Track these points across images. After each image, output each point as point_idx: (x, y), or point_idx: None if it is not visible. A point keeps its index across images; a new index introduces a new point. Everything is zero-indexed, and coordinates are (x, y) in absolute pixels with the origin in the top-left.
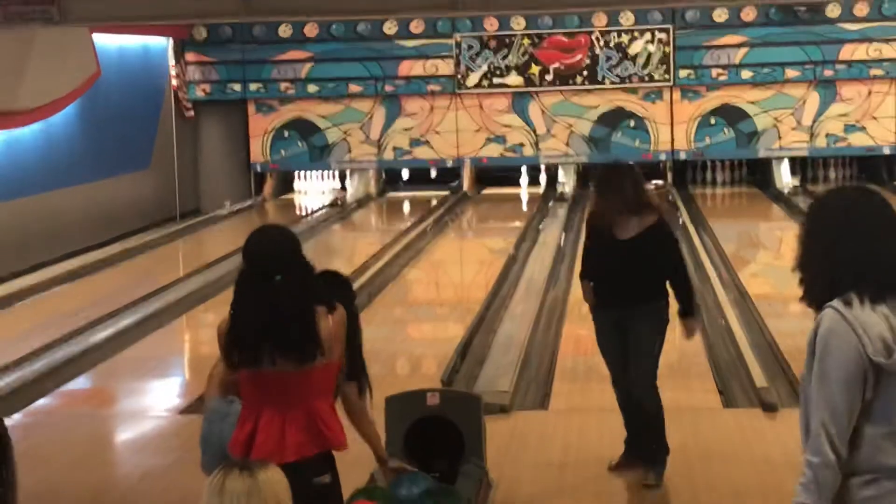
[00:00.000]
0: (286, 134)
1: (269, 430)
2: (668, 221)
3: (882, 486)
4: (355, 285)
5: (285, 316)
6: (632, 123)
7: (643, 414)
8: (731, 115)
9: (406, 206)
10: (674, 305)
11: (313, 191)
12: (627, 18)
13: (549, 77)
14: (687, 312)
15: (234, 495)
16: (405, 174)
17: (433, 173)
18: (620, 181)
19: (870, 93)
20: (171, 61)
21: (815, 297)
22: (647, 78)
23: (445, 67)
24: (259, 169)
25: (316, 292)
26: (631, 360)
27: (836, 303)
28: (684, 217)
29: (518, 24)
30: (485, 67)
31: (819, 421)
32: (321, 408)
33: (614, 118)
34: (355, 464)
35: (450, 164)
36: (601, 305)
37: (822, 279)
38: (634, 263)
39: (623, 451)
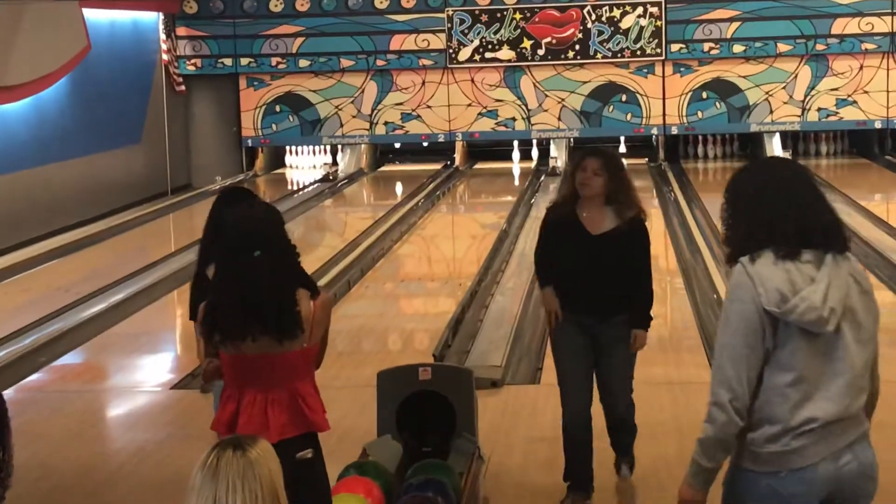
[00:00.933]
0: (277, 108)
1: (252, 410)
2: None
3: (788, 442)
4: (347, 260)
5: (263, 293)
6: (623, 98)
7: (627, 429)
8: (722, 89)
9: (398, 181)
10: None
11: (305, 165)
12: None
13: (540, 51)
14: (643, 325)
15: (229, 478)
16: (397, 146)
17: (424, 144)
18: (606, 163)
19: (861, 67)
20: (162, 35)
21: (733, 254)
22: (638, 52)
23: (437, 42)
24: (250, 143)
25: (297, 273)
26: (614, 379)
27: (743, 259)
28: (676, 191)
29: None
30: (476, 42)
31: (721, 367)
32: (304, 389)
33: (606, 92)
34: (346, 438)
35: (441, 138)
36: (569, 314)
37: (740, 239)
38: (610, 262)
39: (568, 488)
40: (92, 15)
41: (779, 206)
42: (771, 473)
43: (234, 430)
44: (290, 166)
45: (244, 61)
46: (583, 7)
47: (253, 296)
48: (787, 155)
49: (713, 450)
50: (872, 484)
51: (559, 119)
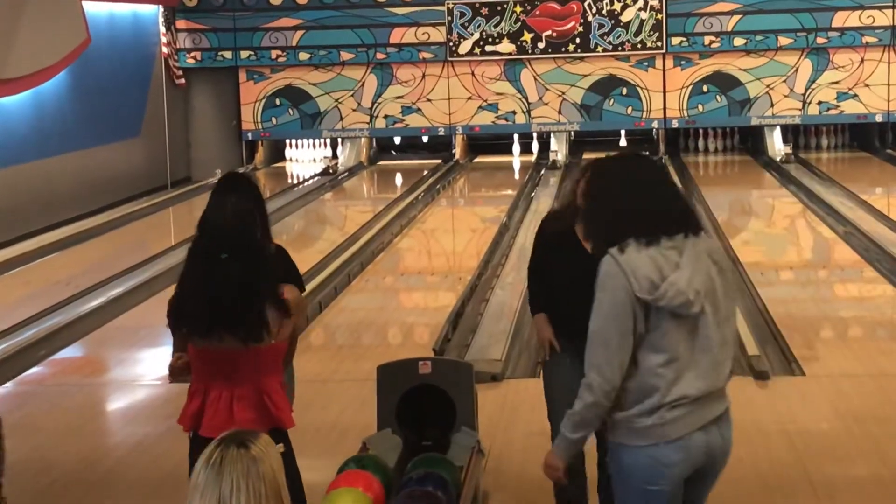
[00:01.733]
0: (277, 102)
1: (217, 405)
2: None
3: (663, 415)
4: (347, 254)
5: (230, 293)
6: (624, 91)
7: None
8: (723, 82)
9: (398, 175)
10: None
11: (305, 159)
12: None
13: (541, 45)
14: None
15: (233, 478)
16: (397, 142)
17: (425, 139)
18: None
19: (862, 60)
20: (162, 28)
21: (599, 245)
22: (639, 45)
23: (437, 35)
24: (250, 137)
25: (267, 272)
26: None
27: (612, 250)
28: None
29: None
30: (477, 35)
31: (593, 352)
32: (270, 386)
33: (606, 86)
34: (346, 432)
35: (441, 132)
36: (565, 342)
37: (604, 230)
38: None
39: None
40: (91, 8)
41: (637, 198)
42: (651, 446)
43: (200, 426)
44: (290, 160)
45: (244, 54)
46: (583, 0)
47: (221, 300)
48: (788, 149)
49: (578, 425)
50: (727, 458)
51: (559, 112)
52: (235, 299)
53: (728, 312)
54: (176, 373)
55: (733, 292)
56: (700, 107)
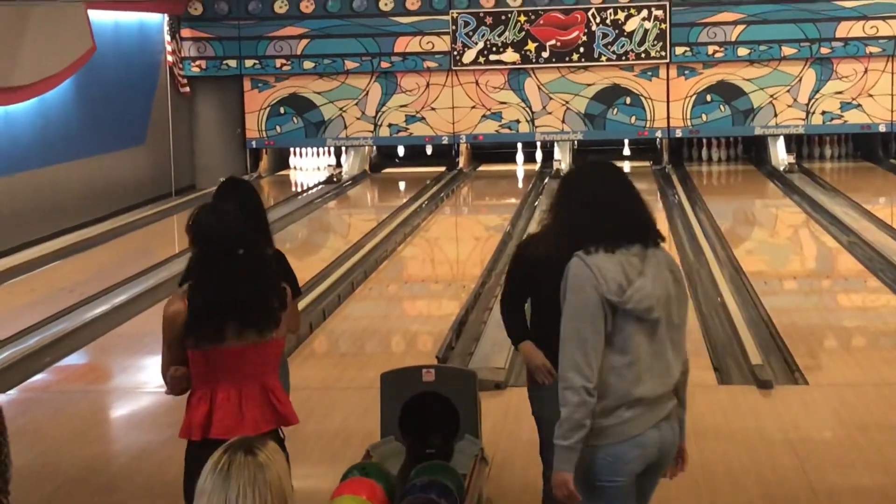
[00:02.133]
0: (282, 110)
1: (227, 406)
2: None
3: (621, 415)
4: (350, 262)
5: (251, 289)
6: (628, 100)
7: None
8: (727, 92)
9: (402, 183)
10: None
11: (309, 167)
12: None
13: (545, 54)
14: None
15: (240, 485)
16: (401, 151)
17: (429, 150)
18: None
19: (866, 70)
20: (167, 37)
21: (566, 250)
22: (643, 55)
23: (442, 44)
24: (254, 145)
25: (272, 266)
26: None
27: (580, 253)
28: (680, 195)
29: (514, 0)
30: (481, 44)
31: (570, 352)
32: (273, 383)
33: (610, 95)
34: (349, 440)
35: (445, 140)
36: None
37: (571, 235)
38: None
39: None
40: (97, 16)
41: (602, 207)
42: (610, 444)
43: (210, 431)
44: (294, 168)
45: (248, 63)
46: (587, 10)
47: (243, 297)
48: (792, 158)
49: (570, 431)
50: (675, 451)
51: (563, 122)
52: (256, 291)
53: (680, 321)
54: (177, 385)
55: (685, 303)
56: (704, 116)
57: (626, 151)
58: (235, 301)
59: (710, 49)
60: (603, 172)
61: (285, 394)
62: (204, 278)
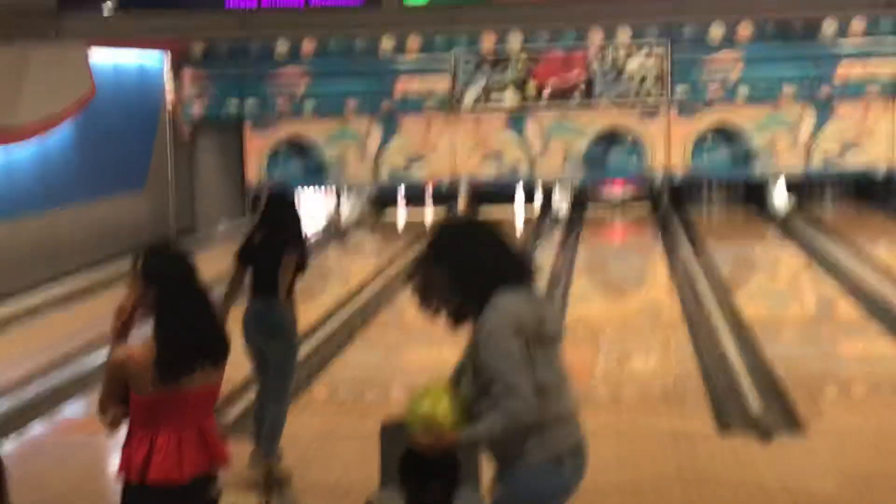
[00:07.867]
0: (282, 153)
1: (167, 449)
2: None
3: (558, 429)
4: (351, 307)
5: (216, 325)
6: (628, 142)
7: None
8: (727, 134)
9: (401, 226)
10: None
11: (308, 210)
12: (624, 35)
13: (546, 95)
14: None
15: None
16: (401, 193)
17: (429, 192)
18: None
19: (866, 111)
20: (167, 79)
21: (475, 303)
22: (643, 96)
23: (442, 85)
24: (254, 188)
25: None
26: None
27: (494, 298)
28: (680, 237)
29: (515, 41)
30: (482, 85)
31: (507, 378)
32: (210, 426)
33: (611, 137)
34: (349, 490)
35: (446, 182)
36: None
37: (477, 289)
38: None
39: None
40: (97, 59)
41: (492, 256)
42: (546, 461)
43: (148, 472)
44: None
45: (249, 105)
46: (588, 51)
47: (209, 334)
48: (792, 200)
49: (489, 435)
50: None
51: (564, 163)
52: (220, 329)
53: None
54: (116, 423)
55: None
56: (704, 158)
57: (624, 194)
58: (205, 337)
59: (711, 89)
60: (475, 224)
61: (219, 436)
62: (172, 316)
